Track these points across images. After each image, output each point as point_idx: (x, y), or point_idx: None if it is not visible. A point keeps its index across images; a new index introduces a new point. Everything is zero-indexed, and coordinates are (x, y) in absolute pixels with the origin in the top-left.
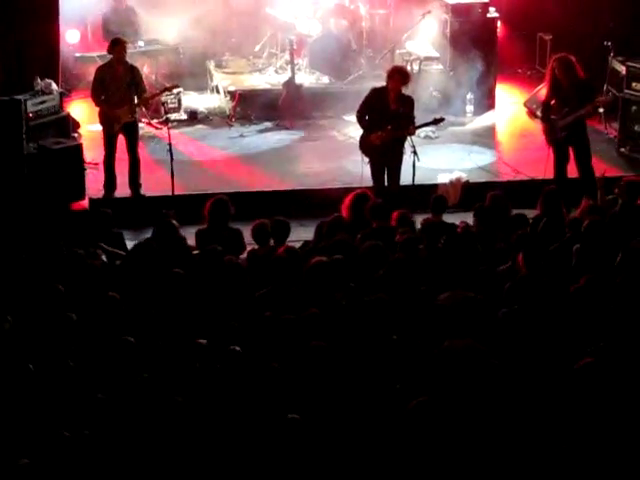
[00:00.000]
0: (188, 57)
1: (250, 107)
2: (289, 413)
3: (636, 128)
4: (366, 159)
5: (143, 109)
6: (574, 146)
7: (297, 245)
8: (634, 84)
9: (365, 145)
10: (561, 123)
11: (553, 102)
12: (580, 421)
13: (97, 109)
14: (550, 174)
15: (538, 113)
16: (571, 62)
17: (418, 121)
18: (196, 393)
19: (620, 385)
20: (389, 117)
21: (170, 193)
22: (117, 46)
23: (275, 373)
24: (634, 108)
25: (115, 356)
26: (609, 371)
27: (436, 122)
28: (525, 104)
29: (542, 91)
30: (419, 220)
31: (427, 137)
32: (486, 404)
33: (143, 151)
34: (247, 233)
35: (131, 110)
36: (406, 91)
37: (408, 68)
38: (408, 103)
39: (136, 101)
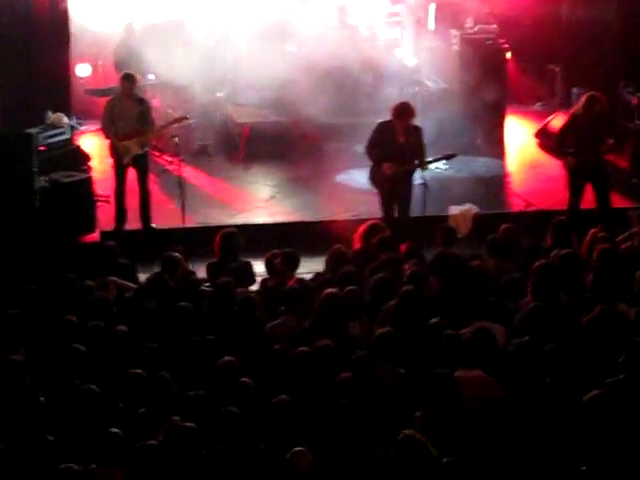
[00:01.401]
0: (199, 89)
1: (260, 139)
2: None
3: None
4: (376, 191)
5: (153, 142)
6: (593, 179)
7: (308, 277)
8: None
9: (375, 177)
10: (589, 157)
11: (570, 133)
12: (588, 453)
13: (107, 142)
14: (563, 205)
15: (549, 144)
16: (601, 99)
17: (429, 152)
18: (205, 426)
19: (629, 418)
20: (397, 150)
21: (181, 225)
22: (127, 81)
23: (287, 406)
24: None
25: (122, 389)
26: (618, 404)
27: (447, 158)
28: (535, 135)
29: (553, 122)
30: (430, 252)
31: (437, 168)
32: (496, 436)
33: (154, 184)
34: (257, 265)
35: (141, 143)
36: (415, 122)
37: (417, 99)
38: (416, 133)
39: (146, 133)
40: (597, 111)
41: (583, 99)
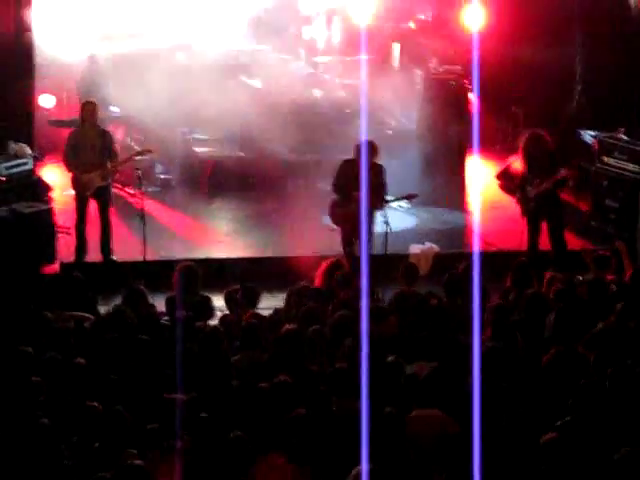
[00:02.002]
0: (163, 122)
1: (223, 174)
2: None
3: (607, 202)
4: (336, 228)
5: (116, 174)
6: (547, 218)
7: (267, 312)
8: (605, 158)
9: (335, 214)
10: (532, 192)
11: (524, 174)
12: None
13: (69, 174)
14: (524, 246)
15: (510, 185)
16: (542, 136)
17: (391, 191)
18: (162, 459)
19: (584, 461)
20: (359, 188)
21: (142, 259)
22: (87, 108)
23: (241, 442)
24: (605, 182)
25: (79, 421)
26: (573, 447)
27: (409, 197)
28: (497, 177)
29: (514, 164)
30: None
31: (399, 206)
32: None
33: (115, 216)
34: (216, 300)
35: (103, 175)
36: (378, 160)
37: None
38: (379, 172)
39: (108, 166)
40: (541, 148)
41: (526, 137)
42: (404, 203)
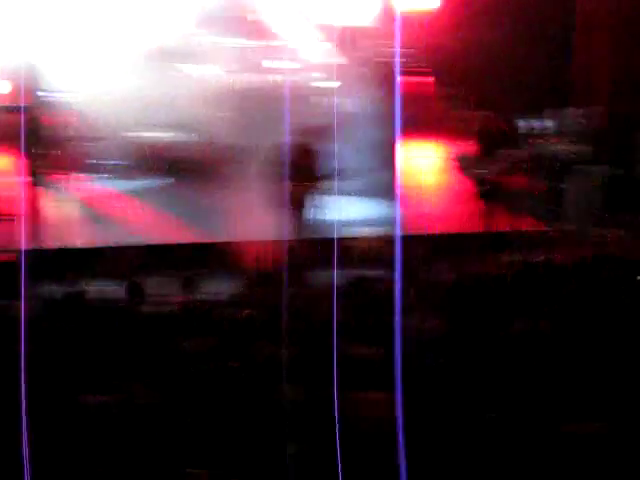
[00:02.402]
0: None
1: (166, 159)
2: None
3: (556, 184)
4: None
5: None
6: (502, 201)
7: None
8: (553, 140)
9: (279, 197)
10: (487, 177)
11: (476, 154)
12: None
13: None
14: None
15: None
16: (495, 119)
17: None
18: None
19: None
20: (301, 171)
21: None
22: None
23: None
24: (557, 164)
25: None
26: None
27: (339, 173)
28: (449, 159)
29: (467, 146)
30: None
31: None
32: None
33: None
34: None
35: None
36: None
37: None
38: (315, 156)
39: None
40: (493, 131)
41: (480, 120)
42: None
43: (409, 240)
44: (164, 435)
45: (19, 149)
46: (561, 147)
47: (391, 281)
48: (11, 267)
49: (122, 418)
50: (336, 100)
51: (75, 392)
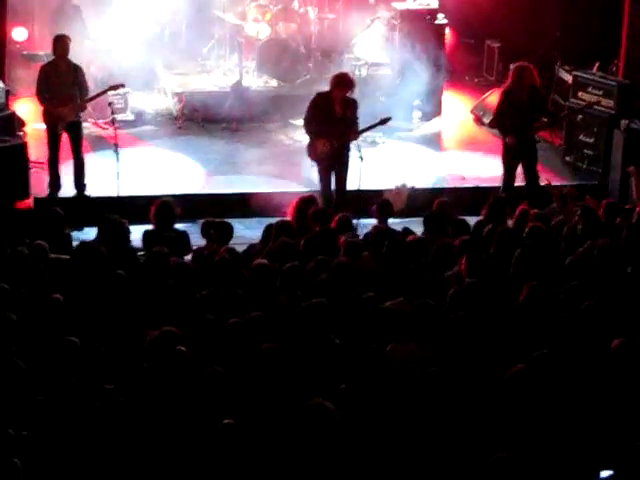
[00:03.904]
0: (136, 57)
1: (197, 109)
2: (226, 418)
3: (581, 137)
4: (313, 164)
5: (89, 109)
6: (523, 156)
7: (242, 248)
8: (580, 93)
9: (312, 151)
10: (528, 135)
11: (506, 111)
12: (511, 429)
13: (41, 108)
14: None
15: (485, 120)
16: (533, 71)
17: (363, 124)
18: (140, 394)
19: (552, 393)
20: (335, 122)
21: (115, 194)
22: (60, 42)
23: (218, 376)
24: (579, 117)
25: (57, 357)
26: (540, 379)
27: (382, 122)
28: (472, 111)
29: (490, 98)
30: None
31: (374, 142)
32: (424, 409)
33: (89, 151)
34: (193, 235)
35: (75, 109)
36: (353, 96)
37: (356, 73)
38: (352, 106)
39: (79, 101)
40: (526, 83)
41: (511, 71)
42: (380, 137)
43: (446, 192)
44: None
45: (51, 96)
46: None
47: (428, 234)
48: None
49: None
50: (374, 52)
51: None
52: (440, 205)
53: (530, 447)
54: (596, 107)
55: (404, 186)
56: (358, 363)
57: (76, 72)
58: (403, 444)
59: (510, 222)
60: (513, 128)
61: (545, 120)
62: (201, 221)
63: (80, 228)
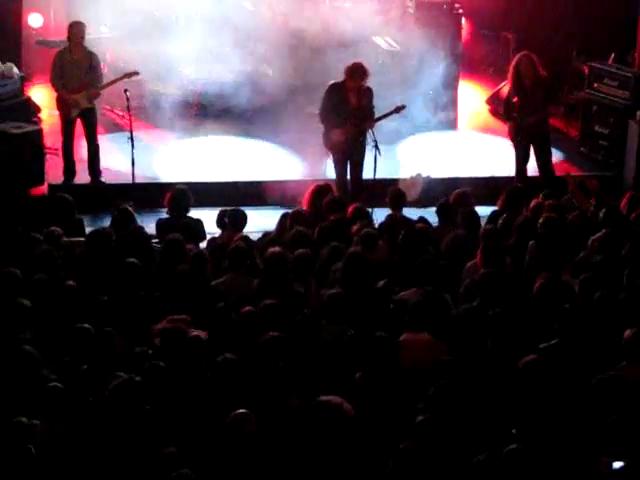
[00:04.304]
0: (151, 45)
1: (212, 97)
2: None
3: (596, 128)
4: (329, 153)
5: (104, 95)
6: (536, 145)
7: (256, 236)
8: (595, 84)
9: (327, 140)
10: (531, 120)
11: (515, 100)
12: (521, 416)
13: (55, 94)
14: (512, 171)
15: (500, 110)
16: (533, 60)
17: (378, 113)
18: (151, 381)
19: (565, 382)
20: (350, 112)
21: (130, 181)
22: (75, 29)
23: (232, 365)
24: (595, 108)
25: (69, 343)
26: (553, 369)
27: (397, 110)
28: (487, 101)
29: (504, 89)
30: (381, 214)
31: (390, 131)
32: (435, 397)
33: (103, 138)
34: (207, 223)
35: (89, 96)
36: (368, 84)
37: (372, 62)
38: (367, 95)
39: (95, 87)
40: (531, 72)
41: (515, 60)
42: (395, 122)
43: (461, 182)
44: None
45: (66, 83)
46: (615, 91)
47: (441, 224)
48: None
49: None
50: (388, 41)
51: None
52: (458, 195)
53: (542, 437)
54: (612, 98)
55: (419, 176)
56: (372, 353)
57: (91, 59)
58: (416, 434)
59: (526, 212)
60: (518, 116)
61: (557, 109)
62: (215, 209)
63: (94, 214)
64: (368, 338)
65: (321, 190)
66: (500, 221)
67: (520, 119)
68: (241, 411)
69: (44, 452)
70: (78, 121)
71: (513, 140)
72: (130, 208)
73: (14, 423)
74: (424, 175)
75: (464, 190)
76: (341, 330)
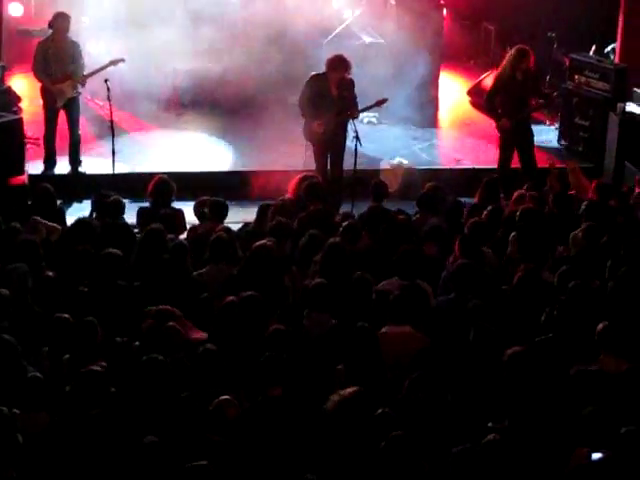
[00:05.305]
0: (133, 35)
1: (194, 88)
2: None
3: (576, 120)
4: (309, 144)
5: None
6: (520, 139)
7: (237, 226)
8: (576, 76)
9: (308, 131)
10: (519, 117)
11: (498, 97)
12: (504, 408)
13: (39, 84)
14: (495, 163)
15: (480, 102)
16: (530, 53)
17: (360, 105)
18: (132, 372)
19: (547, 374)
20: (330, 103)
21: (111, 171)
22: (60, 19)
23: (212, 355)
24: (575, 100)
25: (48, 333)
26: (539, 361)
27: (379, 103)
28: (468, 93)
29: (486, 80)
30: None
31: (370, 123)
32: (415, 388)
33: (84, 128)
34: (188, 214)
35: (73, 85)
36: (349, 75)
37: (352, 53)
38: (349, 86)
39: (79, 76)
40: (525, 66)
41: (512, 53)
42: (375, 117)
43: (441, 173)
44: None
45: (50, 73)
46: (595, 83)
47: (421, 215)
48: None
49: None
50: (370, 33)
51: None
52: (432, 188)
53: (522, 428)
54: (592, 90)
55: (399, 165)
56: (354, 343)
57: (74, 48)
58: (399, 426)
59: (505, 204)
60: (505, 111)
61: (540, 102)
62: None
63: (72, 204)
64: (350, 328)
65: (304, 180)
66: (485, 213)
67: (509, 117)
68: (224, 397)
69: (25, 443)
70: (61, 111)
71: (502, 135)
72: (121, 199)
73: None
74: (405, 165)
75: (435, 183)
76: (324, 319)
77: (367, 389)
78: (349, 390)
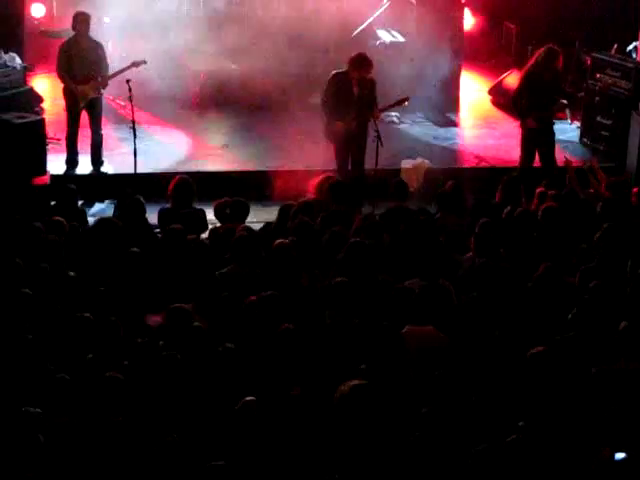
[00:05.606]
0: (155, 35)
1: (216, 87)
2: (245, 395)
3: (598, 119)
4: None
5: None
6: (542, 138)
7: (258, 226)
8: (598, 75)
9: (329, 131)
10: (546, 117)
11: (525, 96)
12: (528, 408)
13: (61, 85)
14: (516, 162)
15: (501, 101)
16: (560, 54)
17: (380, 104)
18: (151, 372)
19: (573, 375)
20: (352, 102)
21: (132, 171)
22: (81, 19)
23: (231, 354)
24: (597, 98)
25: (70, 332)
26: (562, 360)
27: (401, 102)
28: (489, 92)
29: (507, 79)
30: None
31: (391, 122)
32: (443, 390)
33: (106, 128)
34: (209, 213)
35: (96, 86)
36: (370, 75)
37: (374, 53)
38: (370, 86)
39: (100, 78)
40: (555, 66)
41: (541, 53)
42: (397, 117)
43: (462, 172)
44: None
45: (73, 74)
46: (617, 81)
47: (441, 214)
48: None
49: None
50: (391, 32)
51: None
52: (452, 187)
53: (545, 428)
54: (614, 89)
55: (421, 165)
56: (377, 343)
57: (96, 48)
58: (420, 426)
59: (526, 203)
60: (532, 110)
61: (564, 102)
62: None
63: (94, 204)
64: (373, 328)
65: (326, 180)
66: (499, 212)
67: (535, 116)
68: (250, 398)
69: (49, 443)
70: (83, 111)
71: (526, 135)
72: (141, 199)
73: (22, 413)
74: (426, 164)
75: (455, 182)
76: (346, 319)
77: (391, 389)
78: (350, 383)
